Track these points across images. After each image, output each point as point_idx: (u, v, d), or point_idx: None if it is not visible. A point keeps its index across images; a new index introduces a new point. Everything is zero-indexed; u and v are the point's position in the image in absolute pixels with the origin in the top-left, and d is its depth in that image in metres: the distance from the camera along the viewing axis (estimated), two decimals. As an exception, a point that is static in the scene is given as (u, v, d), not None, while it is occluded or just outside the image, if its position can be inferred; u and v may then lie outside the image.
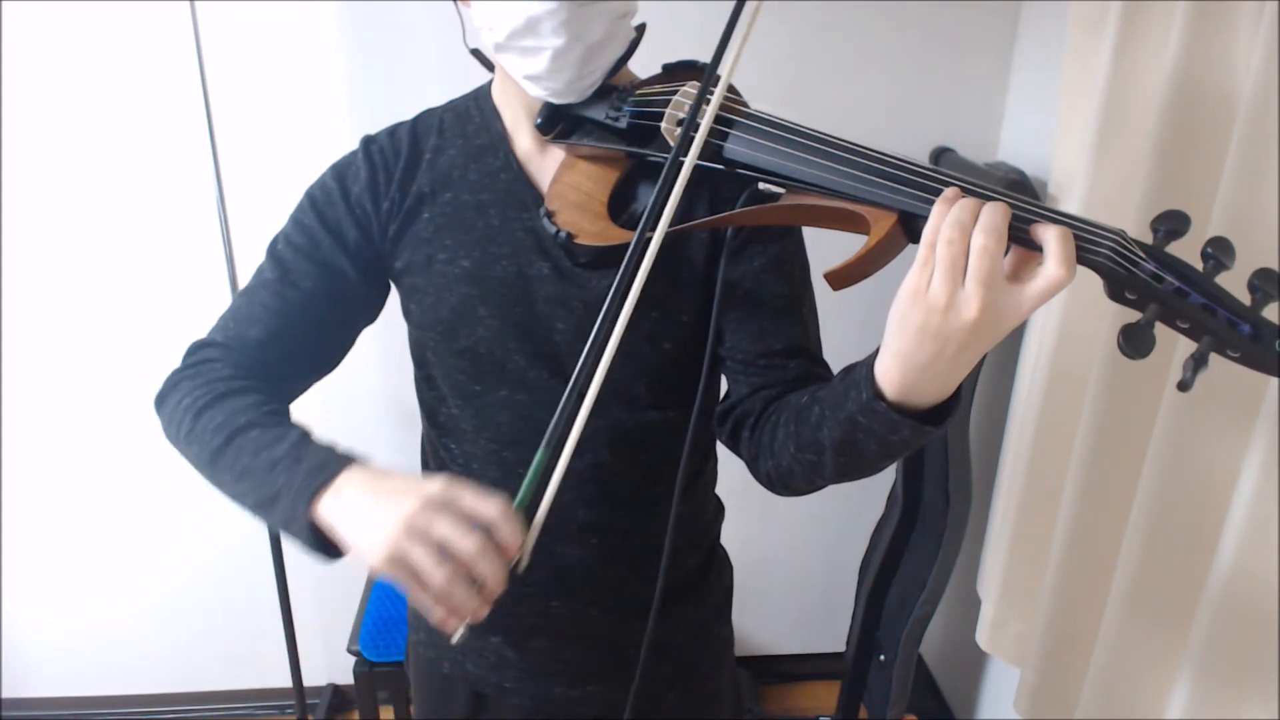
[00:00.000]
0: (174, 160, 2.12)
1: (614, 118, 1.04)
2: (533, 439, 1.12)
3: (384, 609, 2.24)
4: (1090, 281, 0.80)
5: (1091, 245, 0.76)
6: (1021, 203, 0.78)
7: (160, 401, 1.10)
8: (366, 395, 2.35)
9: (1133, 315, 0.75)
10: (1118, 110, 1.53)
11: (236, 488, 0.99)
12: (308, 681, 2.46)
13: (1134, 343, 0.73)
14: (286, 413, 1.06)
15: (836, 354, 1.13)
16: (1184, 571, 1.43)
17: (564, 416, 0.88)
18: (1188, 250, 0.77)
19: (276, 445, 0.96)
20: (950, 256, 0.75)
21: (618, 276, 0.88)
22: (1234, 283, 0.75)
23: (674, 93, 1.02)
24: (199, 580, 2.55)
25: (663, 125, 1.01)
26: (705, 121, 0.92)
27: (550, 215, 1.04)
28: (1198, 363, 0.72)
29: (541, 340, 1.12)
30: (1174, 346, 1.37)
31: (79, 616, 2.58)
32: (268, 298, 1.12)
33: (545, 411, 1.11)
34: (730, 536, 1.39)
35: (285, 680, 2.42)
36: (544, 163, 1.12)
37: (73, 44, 2.04)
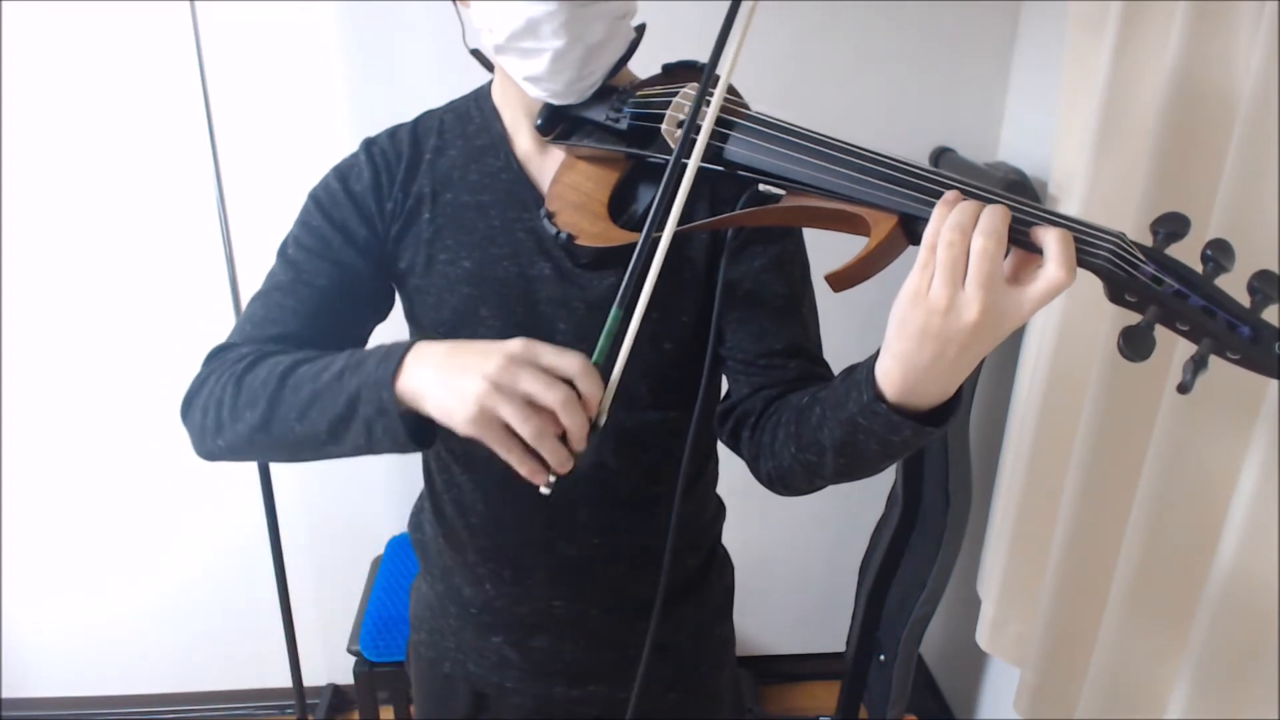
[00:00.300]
0: (174, 160, 2.12)
1: (614, 119, 1.04)
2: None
3: (384, 609, 2.24)
4: (1090, 283, 0.80)
5: (1091, 247, 0.76)
6: (1022, 205, 0.78)
7: (188, 404, 1.08)
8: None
9: (1132, 317, 0.75)
10: (1118, 110, 1.53)
11: (304, 423, 0.97)
12: (308, 681, 2.46)
13: (1134, 345, 0.73)
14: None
15: (837, 355, 1.13)
16: (1184, 571, 1.43)
17: (634, 277, 0.88)
18: (1187, 252, 0.77)
19: (333, 364, 0.96)
20: (950, 259, 0.75)
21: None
22: (1233, 285, 0.75)
23: (674, 94, 1.02)
24: (199, 580, 2.55)
25: (663, 127, 1.01)
26: (706, 124, 0.92)
27: (551, 216, 1.04)
28: (1198, 365, 0.72)
29: (544, 340, 1.11)
30: (1173, 348, 1.37)
31: (79, 616, 2.58)
32: (283, 298, 1.12)
33: None
34: (730, 536, 1.39)
35: (285, 680, 2.42)
36: (544, 163, 1.12)
37: (73, 44, 2.04)
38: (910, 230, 0.84)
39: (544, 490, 0.88)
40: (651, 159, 1.02)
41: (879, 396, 0.85)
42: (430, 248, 1.13)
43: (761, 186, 0.94)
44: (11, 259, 2.20)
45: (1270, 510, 1.24)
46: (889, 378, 0.84)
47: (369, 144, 1.16)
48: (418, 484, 1.38)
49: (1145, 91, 1.50)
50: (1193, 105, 1.38)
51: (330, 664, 2.67)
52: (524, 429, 0.84)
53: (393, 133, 1.17)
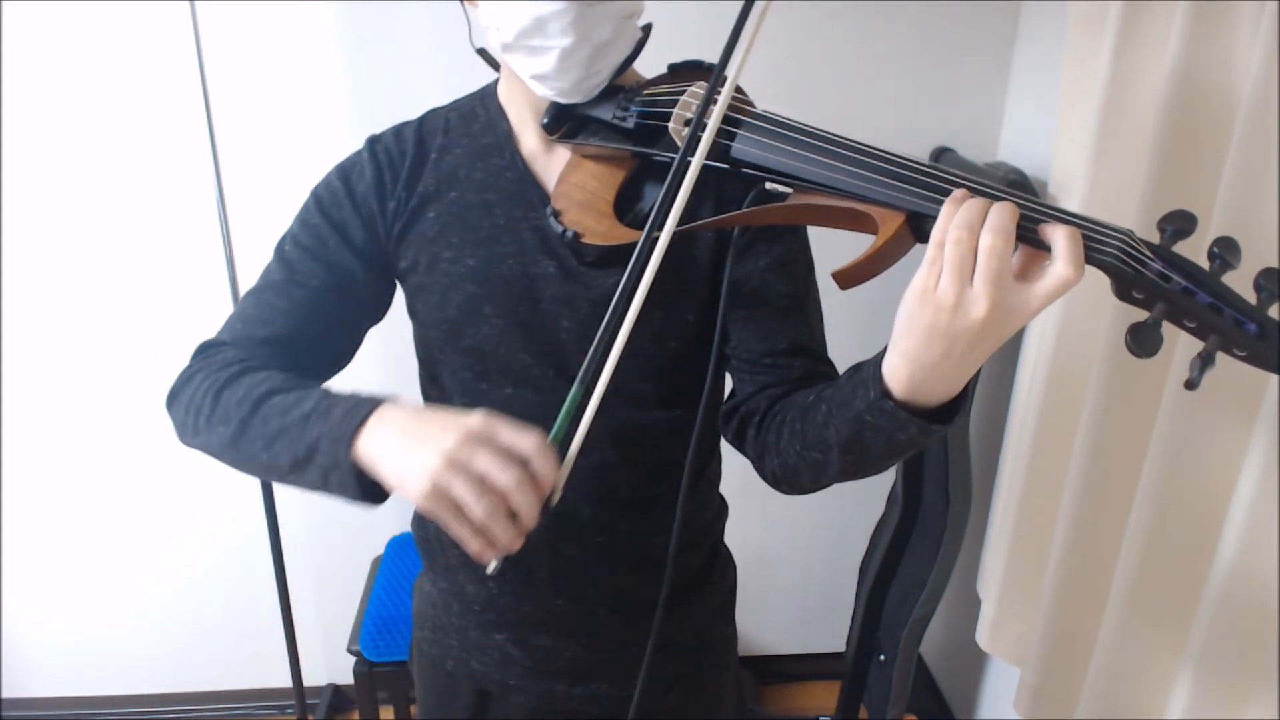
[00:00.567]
0: (174, 160, 2.12)
1: (621, 117, 1.04)
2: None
3: (384, 609, 2.24)
4: (1090, 282, 0.80)
5: (1099, 245, 0.76)
6: (1030, 202, 0.79)
7: (172, 398, 1.10)
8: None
9: (1136, 315, 0.75)
10: (1118, 110, 1.53)
11: (269, 453, 0.98)
12: (308, 681, 2.46)
13: (1141, 341, 0.73)
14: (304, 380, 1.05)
15: (841, 354, 1.13)
16: (1184, 571, 1.43)
17: (597, 352, 0.89)
18: (1188, 251, 0.77)
19: (304, 402, 0.97)
20: (958, 256, 0.75)
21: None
22: (1238, 282, 0.75)
23: (681, 93, 1.03)
24: (199, 580, 2.55)
25: (670, 125, 1.02)
26: (713, 122, 0.92)
27: (556, 214, 1.04)
28: (1205, 361, 0.72)
29: (547, 339, 1.12)
30: (1173, 348, 1.37)
31: (79, 616, 2.58)
32: (275, 298, 1.13)
33: (550, 410, 1.11)
34: (730, 536, 1.39)
35: (285, 680, 2.42)
36: (550, 162, 1.13)
37: (73, 44, 2.03)
38: (917, 228, 0.84)
39: (489, 571, 0.89)
40: (658, 157, 1.02)
41: (886, 394, 0.85)
42: (434, 246, 1.13)
43: (768, 185, 0.94)
44: (11, 259, 2.20)
45: (1270, 510, 1.25)
46: (896, 375, 0.84)
47: (373, 142, 1.17)
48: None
49: (1145, 91, 1.51)
50: (1193, 105, 1.38)
51: (330, 664, 2.67)
52: (475, 508, 0.84)
53: (398, 131, 1.17)
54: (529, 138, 1.13)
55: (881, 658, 2.37)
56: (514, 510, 0.85)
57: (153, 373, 2.25)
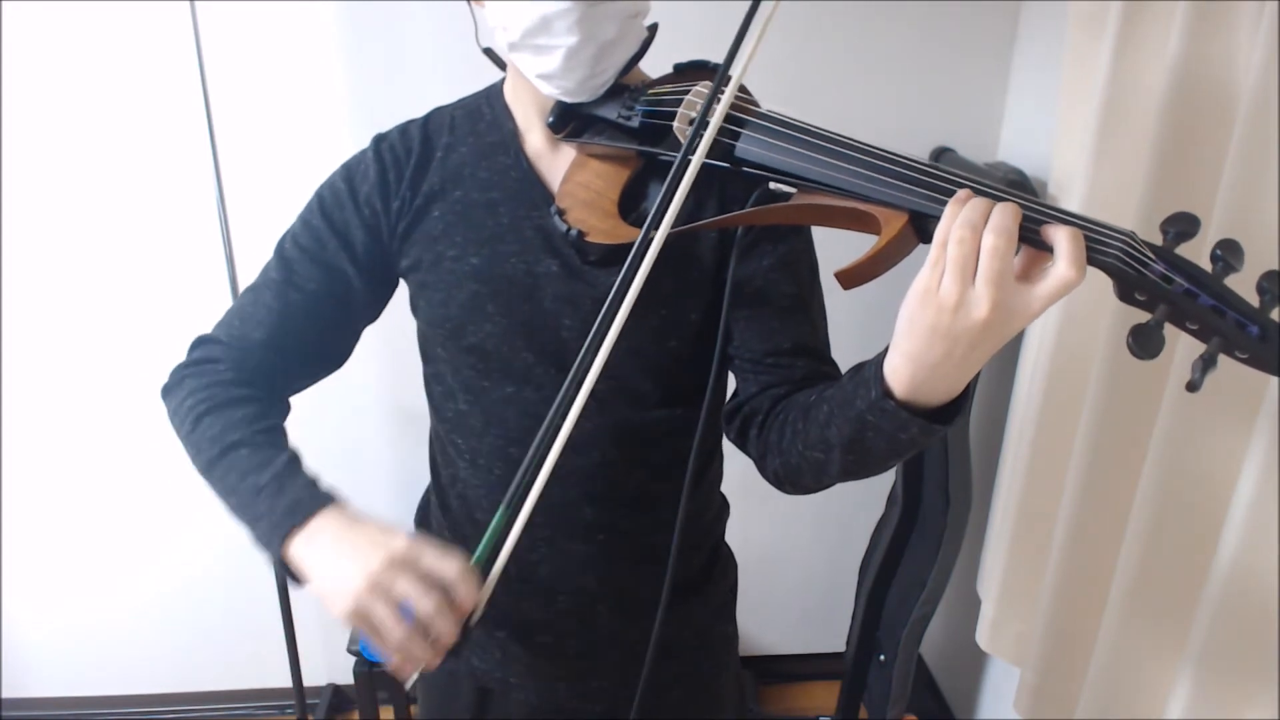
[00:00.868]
0: (174, 160, 2.12)
1: (626, 116, 1.05)
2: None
3: (384, 609, 2.24)
4: (1090, 283, 0.80)
5: (1102, 246, 0.77)
6: (1032, 203, 0.79)
7: (166, 392, 1.14)
8: (365, 394, 2.35)
9: (1137, 316, 0.75)
10: (1118, 110, 1.53)
11: (224, 500, 1.04)
12: (308, 681, 2.46)
13: (1143, 343, 0.73)
14: (280, 429, 1.10)
15: (841, 354, 1.14)
16: (1184, 571, 1.43)
17: (525, 478, 0.92)
18: (1189, 252, 0.77)
19: (263, 470, 1.01)
20: (961, 256, 0.75)
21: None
22: (1240, 285, 0.75)
23: (686, 92, 1.03)
24: (199, 580, 2.55)
25: (674, 124, 1.02)
26: (715, 120, 0.93)
27: (561, 213, 1.05)
28: (1206, 363, 0.73)
29: (549, 337, 1.12)
30: (1174, 349, 1.37)
31: (79, 616, 2.57)
32: (271, 299, 1.14)
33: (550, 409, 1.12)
34: (731, 536, 1.39)
35: (285, 680, 2.42)
36: (555, 161, 1.13)
37: (73, 44, 2.03)
38: (920, 228, 0.85)
39: (406, 685, 0.94)
40: (662, 157, 1.03)
41: (887, 393, 0.85)
42: (438, 244, 1.13)
43: (772, 184, 0.95)
44: (11, 259, 2.20)
45: (1270, 510, 1.25)
46: (897, 375, 0.84)
47: (379, 141, 1.17)
48: (418, 484, 1.38)
49: (1145, 91, 1.51)
50: (1193, 105, 1.39)
51: (330, 664, 2.67)
52: (392, 633, 0.89)
53: (404, 129, 1.18)
54: (534, 137, 1.14)
55: (881, 658, 2.37)
56: (432, 634, 0.89)
57: (153, 373, 2.26)
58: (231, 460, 1.03)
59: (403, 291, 1.21)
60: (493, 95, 1.18)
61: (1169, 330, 0.76)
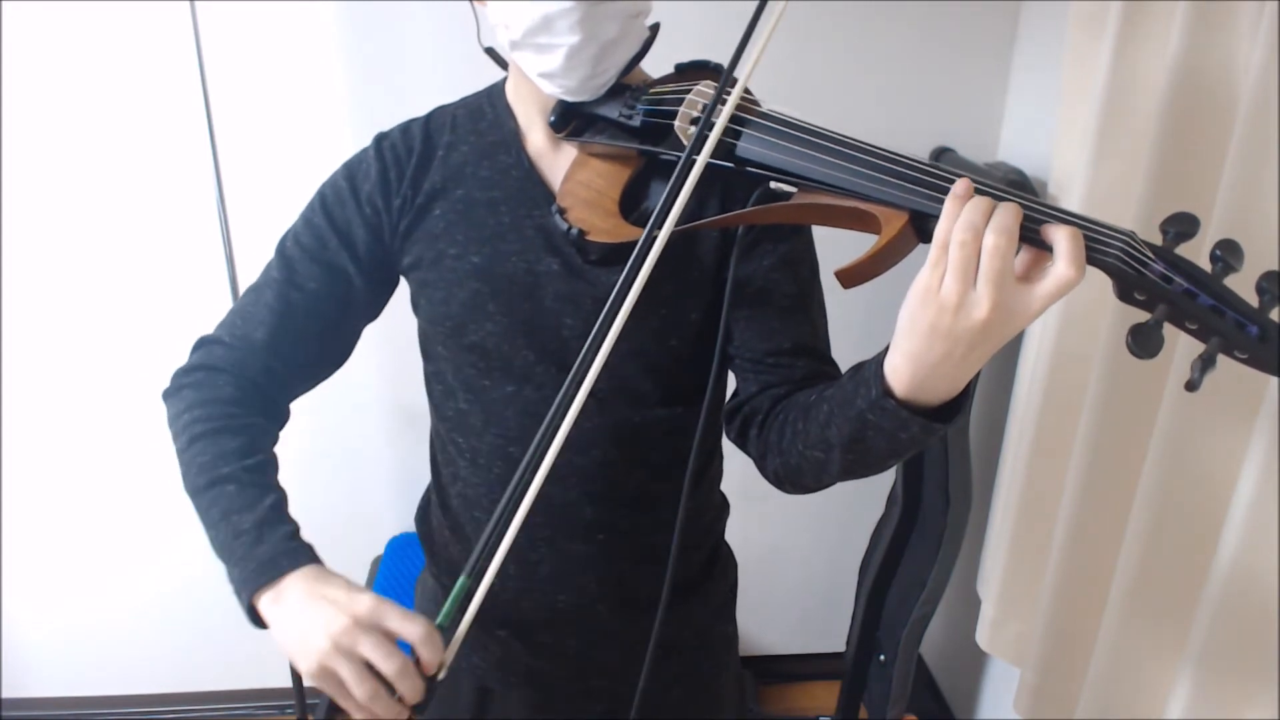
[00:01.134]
0: (174, 160, 2.12)
1: (628, 116, 1.05)
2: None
3: (384, 609, 2.24)
4: (1090, 283, 0.80)
5: (1101, 246, 0.77)
6: (1032, 203, 0.79)
7: (166, 398, 1.15)
8: (366, 393, 2.35)
9: (1136, 316, 0.76)
10: (1118, 110, 1.53)
11: (205, 529, 1.05)
12: (308, 681, 2.45)
13: (1143, 342, 0.73)
14: (271, 463, 1.10)
15: (841, 354, 1.14)
16: (1184, 571, 1.43)
17: (492, 536, 0.92)
18: (1189, 253, 0.77)
19: (246, 514, 1.02)
20: (963, 257, 0.75)
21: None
22: (1239, 285, 0.75)
23: (687, 92, 1.03)
24: (199, 580, 2.54)
25: (676, 124, 1.02)
26: (720, 121, 0.93)
27: (562, 212, 1.05)
28: (1206, 363, 0.73)
29: (549, 336, 1.12)
30: (1173, 348, 1.37)
31: (79, 616, 2.57)
32: (273, 299, 1.14)
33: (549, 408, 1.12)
34: (731, 536, 1.40)
35: (285, 680, 2.42)
36: (556, 160, 1.13)
37: (73, 44, 2.03)
38: (920, 228, 0.85)
39: None
40: (664, 156, 1.03)
41: (887, 393, 0.85)
42: (439, 242, 1.13)
43: (773, 184, 0.95)
44: (11, 259, 2.20)
45: (1270, 510, 1.25)
46: (897, 374, 0.84)
47: (380, 139, 1.17)
48: (418, 484, 1.38)
49: (1145, 91, 1.51)
50: (1193, 105, 1.39)
51: (330, 664, 2.66)
52: (357, 691, 0.89)
53: (405, 128, 1.18)
54: (536, 136, 1.14)
55: (881, 658, 2.38)
56: (397, 692, 0.90)
57: (152, 373, 2.26)
58: (217, 494, 1.04)
59: (403, 290, 1.21)
60: (494, 94, 1.18)
61: (1168, 331, 0.76)
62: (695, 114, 1.00)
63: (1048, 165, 1.94)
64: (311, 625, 0.91)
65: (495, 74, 1.19)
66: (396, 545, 2.43)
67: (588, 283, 1.11)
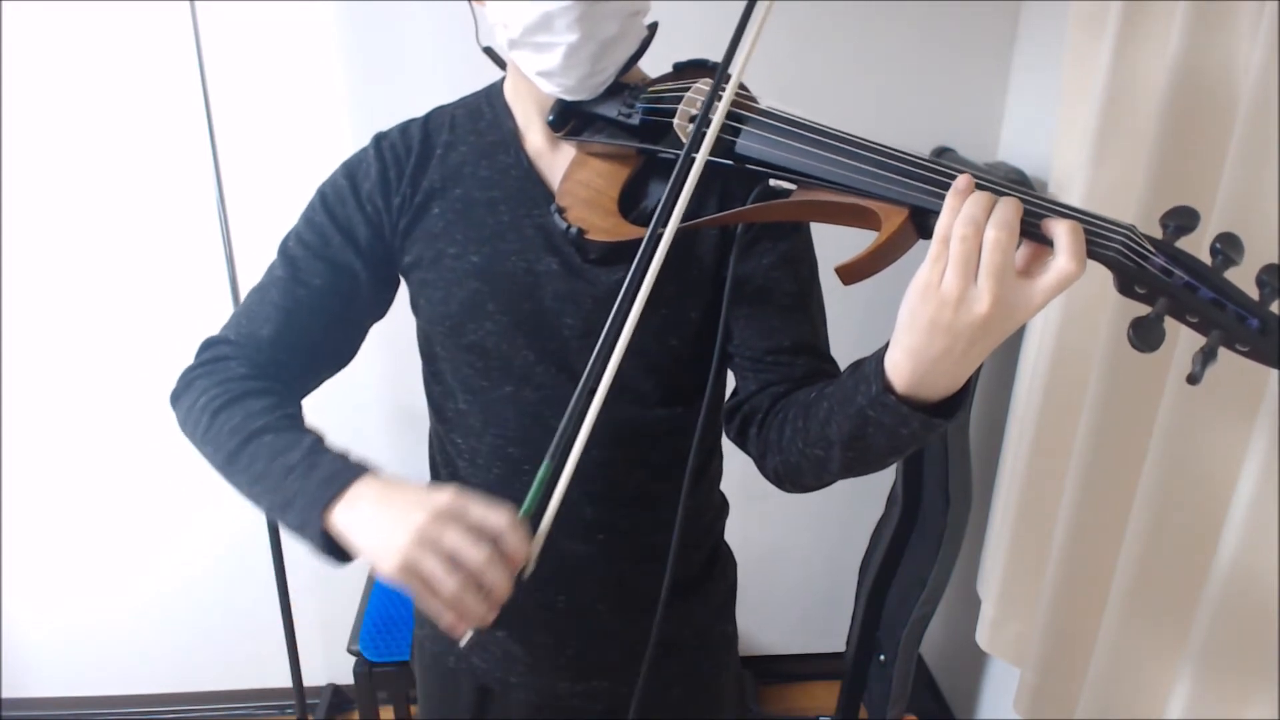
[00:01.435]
0: (174, 160, 2.12)
1: (626, 114, 1.05)
2: (539, 435, 1.13)
3: (384, 609, 2.24)
4: (1091, 280, 0.81)
5: (1102, 240, 0.77)
6: (1033, 197, 0.79)
7: (176, 398, 1.12)
8: (366, 393, 2.35)
9: (1136, 311, 0.76)
10: (1118, 110, 1.53)
11: (251, 490, 1.01)
12: (308, 681, 2.46)
13: (1144, 336, 0.73)
14: (300, 415, 1.08)
15: (841, 353, 1.13)
16: (1184, 571, 1.43)
17: (569, 427, 0.90)
18: (1189, 247, 0.77)
19: (291, 451, 0.99)
20: (964, 252, 0.75)
21: (630, 272, 0.89)
22: (1239, 279, 0.75)
23: (686, 90, 1.03)
24: (199, 580, 2.55)
25: (675, 122, 1.02)
26: (717, 118, 0.93)
27: (561, 211, 1.05)
28: (1207, 356, 0.73)
29: (549, 336, 1.12)
30: (1173, 348, 1.37)
31: (79, 616, 2.58)
32: (279, 296, 1.14)
33: (551, 408, 1.12)
34: (731, 536, 1.39)
35: (285, 680, 2.42)
36: (555, 160, 1.13)
37: (73, 44, 2.04)
38: (921, 224, 0.85)
39: (462, 645, 0.90)
40: (663, 154, 1.03)
41: (888, 389, 0.85)
42: (439, 242, 1.13)
43: (772, 181, 0.95)
44: (11, 259, 2.20)
45: (1270, 510, 1.25)
46: (898, 370, 0.84)
47: (379, 139, 1.17)
48: (421, 481, 1.38)
49: (1145, 91, 1.51)
50: (1193, 105, 1.39)
51: (330, 664, 2.67)
52: (444, 585, 0.86)
53: (404, 128, 1.18)
54: (534, 135, 1.14)
55: (881, 658, 2.38)
56: (485, 586, 0.87)
57: (152, 373, 2.26)
58: (256, 447, 1.01)
59: (403, 291, 1.21)
60: (493, 94, 1.18)
61: (1170, 324, 0.76)
62: (694, 112, 1.00)
63: (1048, 165, 1.94)
64: (392, 522, 0.88)
65: (496, 74, 1.19)
66: (396, 545, 2.43)
67: (587, 282, 1.10)
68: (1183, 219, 0.77)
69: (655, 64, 1.11)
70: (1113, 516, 1.60)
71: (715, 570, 1.34)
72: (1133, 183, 1.49)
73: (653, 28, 1.07)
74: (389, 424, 2.39)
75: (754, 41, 0.91)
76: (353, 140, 1.19)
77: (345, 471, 0.96)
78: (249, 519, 2.35)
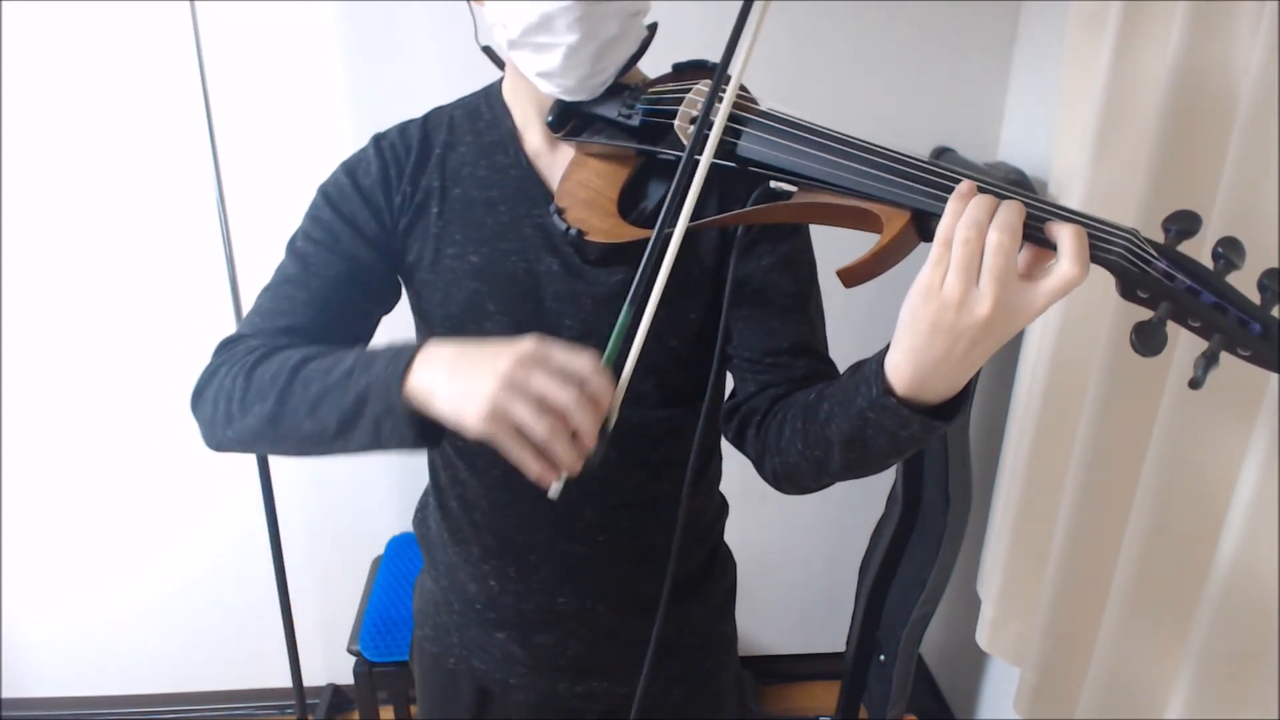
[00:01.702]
0: (174, 160, 2.12)
1: (626, 115, 1.04)
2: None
3: (384, 609, 2.24)
4: (1091, 282, 0.80)
5: (1105, 244, 0.77)
6: (1035, 201, 0.79)
7: (197, 395, 1.08)
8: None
9: (1137, 314, 0.76)
10: (1118, 110, 1.53)
11: (313, 419, 0.96)
12: (308, 681, 2.46)
13: (1146, 340, 0.73)
14: None
15: (841, 354, 1.13)
16: (1184, 571, 1.43)
17: (647, 268, 0.88)
18: (1190, 251, 0.77)
19: (343, 361, 0.96)
20: (966, 254, 0.75)
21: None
22: (1241, 283, 0.75)
23: (686, 91, 1.03)
24: (199, 580, 2.55)
25: (675, 123, 1.02)
26: (720, 119, 0.93)
27: (560, 212, 1.04)
28: (1209, 360, 0.73)
29: (549, 336, 1.12)
30: (1173, 350, 1.37)
31: (79, 616, 2.58)
32: (292, 290, 1.12)
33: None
34: (731, 536, 1.39)
35: (285, 680, 2.42)
36: (554, 160, 1.13)
37: (73, 44, 2.03)
38: (922, 226, 0.84)
39: (551, 494, 0.87)
40: (662, 155, 1.03)
41: (888, 390, 0.85)
42: (438, 242, 1.13)
43: (773, 183, 0.95)
44: (11, 259, 2.20)
45: (1270, 510, 1.25)
46: (898, 372, 0.84)
47: (378, 139, 1.17)
48: (418, 483, 1.38)
49: (1145, 91, 1.51)
50: (1193, 105, 1.38)
51: (330, 664, 2.67)
52: (536, 428, 0.83)
53: (403, 128, 1.18)
54: (533, 136, 1.14)
55: (881, 658, 2.38)
56: (574, 430, 0.84)
57: (152, 373, 2.26)
58: (306, 375, 0.97)
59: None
60: (492, 94, 1.18)
61: (1171, 328, 0.76)
62: (695, 113, 1.00)
63: (1048, 165, 1.94)
64: (475, 371, 0.85)
65: (495, 74, 1.18)
66: (396, 545, 2.43)
67: (587, 283, 1.10)
68: (1184, 223, 0.77)
69: (655, 64, 1.11)
70: (1113, 517, 1.60)
71: (715, 570, 1.34)
72: (1133, 183, 1.49)
73: (653, 28, 1.06)
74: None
75: (752, 42, 0.91)
76: (352, 140, 1.19)
77: (408, 347, 0.92)
78: (249, 519, 2.35)
